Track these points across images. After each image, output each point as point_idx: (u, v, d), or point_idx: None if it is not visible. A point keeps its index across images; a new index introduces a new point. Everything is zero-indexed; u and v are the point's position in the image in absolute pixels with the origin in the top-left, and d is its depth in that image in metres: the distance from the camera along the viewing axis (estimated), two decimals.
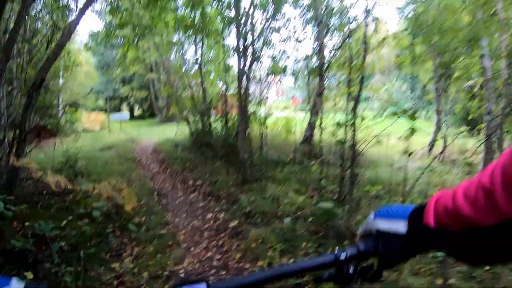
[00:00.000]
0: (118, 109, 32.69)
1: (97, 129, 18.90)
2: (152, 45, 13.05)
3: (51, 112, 17.42)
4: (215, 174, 7.25)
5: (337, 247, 0.77)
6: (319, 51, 9.07)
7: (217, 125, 9.78)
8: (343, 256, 0.73)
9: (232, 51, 9.56)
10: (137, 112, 34.71)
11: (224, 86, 9.91)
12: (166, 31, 10.78)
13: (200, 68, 9.81)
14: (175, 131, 11.35)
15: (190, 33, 10.15)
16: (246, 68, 8.39)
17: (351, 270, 0.73)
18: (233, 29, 8.67)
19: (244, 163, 6.89)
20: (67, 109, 20.38)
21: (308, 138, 9.60)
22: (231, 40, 24.28)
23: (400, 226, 0.69)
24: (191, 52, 16.42)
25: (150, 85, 24.22)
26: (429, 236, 0.64)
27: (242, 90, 7.69)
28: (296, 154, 8.41)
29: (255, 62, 9.23)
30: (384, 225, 0.72)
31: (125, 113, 16.41)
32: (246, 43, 7.93)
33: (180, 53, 11.74)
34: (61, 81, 18.23)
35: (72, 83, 25.50)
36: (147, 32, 9.86)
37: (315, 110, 9.17)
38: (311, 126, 9.50)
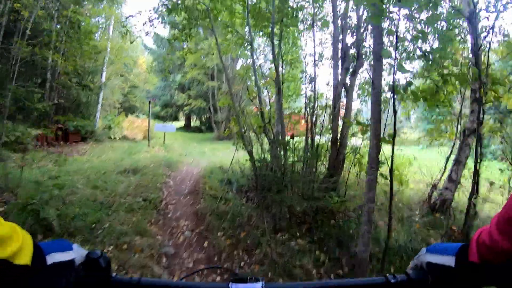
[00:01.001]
0: (174, 117, 30.58)
1: (139, 138, 16.35)
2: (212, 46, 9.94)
3: (89, 112, 15.25)
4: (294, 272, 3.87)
5: (388, 273, 0.82)
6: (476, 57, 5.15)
7: (293, 158, 6.35)
8: (393, 281, 0.79)
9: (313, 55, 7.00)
10: (194, 122, 32.38)
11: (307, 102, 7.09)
12: (231, 21, 7.69)
13: (277, 74, 6.60)
14: (232, 156, 7.91)
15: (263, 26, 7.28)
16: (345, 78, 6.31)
17: None
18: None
19: (361, 262, 3.47)
20: (110, 112, 18.22)
21: (442, 202, 5.85)
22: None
23: (449, 261, 0.74)
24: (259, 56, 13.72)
25: (209, 95, 21.47)
26: (476, 271, 0.68)
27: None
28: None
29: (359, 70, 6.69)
30: (434, 258, 0.78)
31: (170, 124, 13.50)
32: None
33: (248, 55, 8.46)
34: (103, 79, 16.08)
35: (120, 83, 23.68)
36: (203, 18, 6.75)
37: (464, 150, 5.59)
38: (450, 178, 5.83)
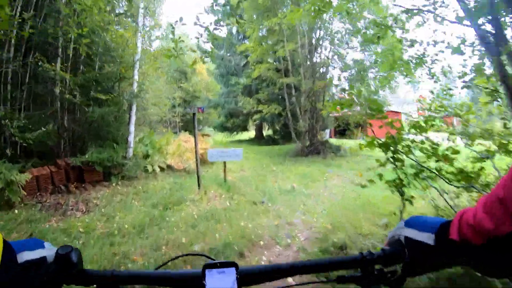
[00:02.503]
0: (243, 127, 26.10)
1: (194, 168, 11.24)
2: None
3: (117, 136, 10.77)
4: None
5: (363, 251, 0.84)
6: None
7: None
8: (369, 257, 0.81)
9: None
10: (266, 132, 27.61)
11: None
12: None
13: None
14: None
15: None
16: None
17: (375, 272, 0.81)
18: None
19: None
20: (149, 132, 13.65)
21: None
22: None
23: (428, 238, 0.74)
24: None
25: (285, 96, 16.32)
26: (454, 250, 0.69)
27: None
28: None
29: None
30: (413, 234, 0.78)
31: (233, 149, 7.71)
32: None
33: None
34: (135, 87, 11.51)
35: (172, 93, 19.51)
36: None
37: None
38: None
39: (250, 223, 6.03)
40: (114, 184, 8.79)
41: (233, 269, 0.78)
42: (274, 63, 16.56)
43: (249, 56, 17.35)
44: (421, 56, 6.54)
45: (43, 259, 0.76)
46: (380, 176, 4.67)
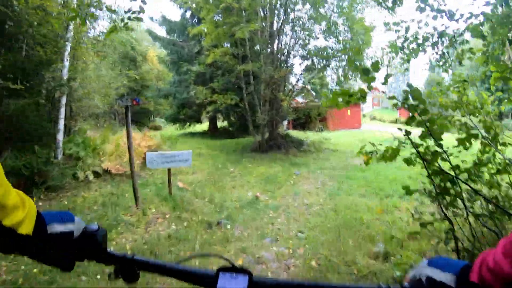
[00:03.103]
0: (196, 119, 24.11)
1: (138, 171, 9.12)
2: None
3: (40, 134, 8.33)
4: None
5: (381, 282, 0.80)
6: None
7: None
8: None
9: None
10: (221, 124, 25.75)
11: None
12: None
13: None
14: None
15: None
16: None
17: None
18: None
19: None
20: (79, 126, 11.29)
21: None
22: None
23: (449, 279, 0.71)
24: None
25: (242, 85, 14.49)
26: None
27: None
28: None
29: None
30: (435, 274, 0.74)
31: (182, 154, 5.57)
32: None
33: None
34: (65, 73, 9.14)
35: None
36: None
37: None
38: None
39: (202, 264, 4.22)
40: (35, 199, 6.64)
41: (246, 277, 0.76)
42: (232, 48, 14.64)
43: (204, 41, 15.39)
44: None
45: (71, 233, 0.78)
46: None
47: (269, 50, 14.52)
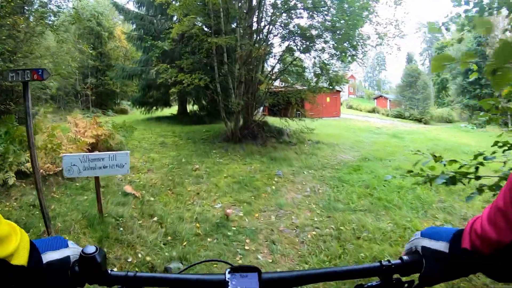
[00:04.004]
0: (164, 102, 21.80)
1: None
2: None
3: None
4: None
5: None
6: None
7: None
8: (388, 266, 0.80)
9: None
10: (191, 108, 23.41)
11: None
12: None
13: None
14: None
15: None
16: None
17: (393, 282, 0.80)
18: None
19: None
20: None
21: None
22: None
23: (442, 246, 0.74)
24: None
25: (214, 63, 12.23)
26: (467, 258, 0.70)
27: None
28: None
29: None
30: (429, 243, 0.78)
31: (115, 155, 3.21)
32: None
33: None
34: None
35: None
36: None
37: None
38: None
39: None
40: None
41: (255, 274, 0.76)
42: (204, 19, 12.21)
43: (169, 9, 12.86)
44: None
45: (66, 259, 0.75)
46: None
47: (246, 24, 12.27)
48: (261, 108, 19.64)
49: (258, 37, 12.63)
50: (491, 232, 0.62)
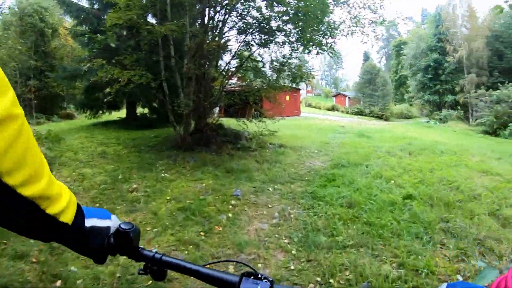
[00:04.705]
0: (112, 105, 19.46)
1: None
2: None
3: None
4: None
5: None
6: None
7: None
8: None
9: None
10: (140, 111, 21.31)
11: None
12: None
13: None
14: None
15: None
16: None
17: None
18: None
19: None
20: None
21: None
22: None
23: None
24: None
25: (159, 57, 10.42)
26: None
27: None
28: None
29: None
30: None
31: None
32: None
33: None
34: None
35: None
36: None
37: None
38: None
39: None
40: None
41: (268, 284, 0.75)
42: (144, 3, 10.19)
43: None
44: None
45: (107, 228, 0.80)
46: None
47: (198, 7, 10.44)
48: (217, 109, 17.92)
49: (210, 24, 10.85)
50: None
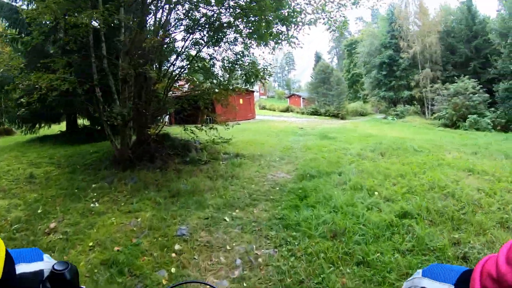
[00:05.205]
0: (52, 117, 17.09)
1: None
2: None
3: None
4: None
5: None
6: None
7: None
8: None
9: None
10: (82, 122, 19.15)
11: None
12: None
13: None
14: None
15: None
16: None
17: None
18: None
19: None
20: None
21: None
22: None
23: None
24: None
25: (91, 58, 8.79)
26: None
27: None
28: None
29: None
30: (431, 285, 0.69)
31: None
32: None
33: None
34: None
35: None
36: None
37: None
38: None
39: None
40: None
41: None
42: None
43: None
44: None
45: (40, 272, 0.73)
46: None
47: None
48: (167, 117, 16.24)
49: (150, 18, 9.25)
50: (510, 275, 0.51)
